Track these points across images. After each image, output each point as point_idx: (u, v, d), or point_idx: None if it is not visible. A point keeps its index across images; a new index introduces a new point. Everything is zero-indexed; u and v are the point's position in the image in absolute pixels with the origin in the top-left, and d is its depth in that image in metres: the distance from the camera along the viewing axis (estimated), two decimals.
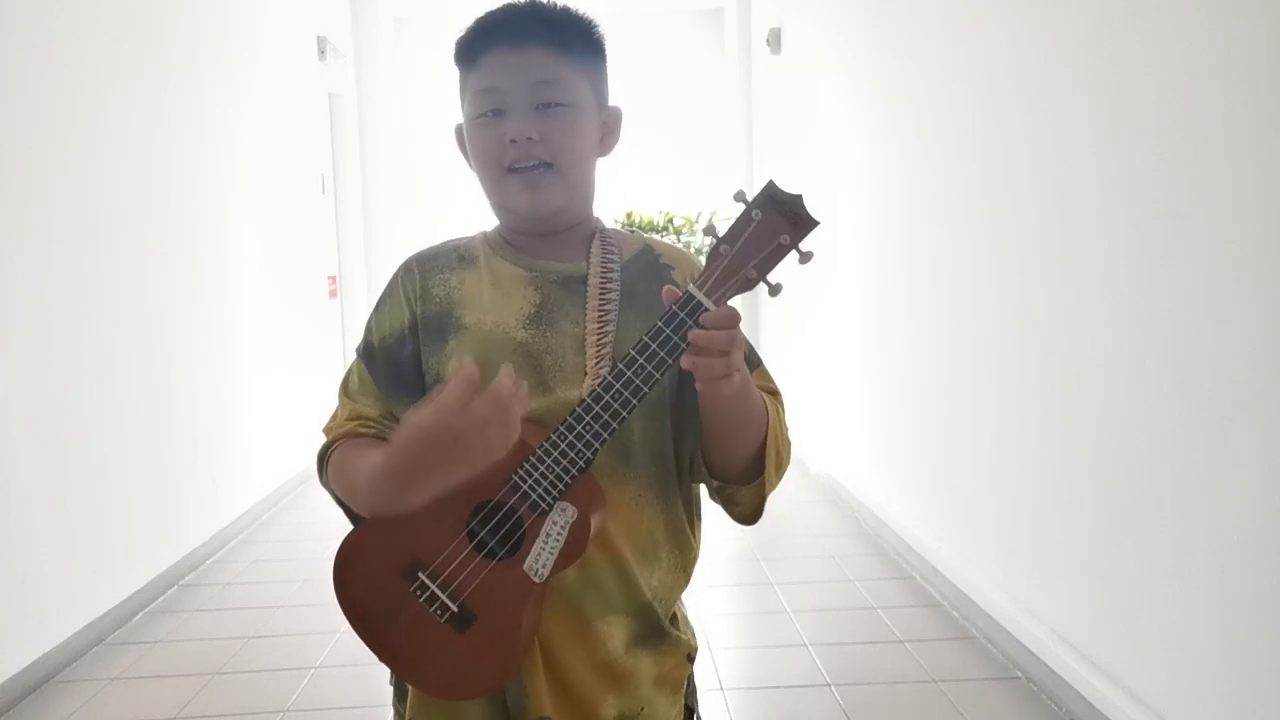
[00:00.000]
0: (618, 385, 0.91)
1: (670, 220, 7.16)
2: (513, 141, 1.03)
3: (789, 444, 1.08)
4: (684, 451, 1.08)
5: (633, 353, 0.91)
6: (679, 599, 1.13)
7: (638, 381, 0.91)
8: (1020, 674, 2.65)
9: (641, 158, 6.77)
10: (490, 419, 0.87)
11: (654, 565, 1.06)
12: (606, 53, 1.10)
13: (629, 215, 7.17)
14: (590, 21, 1.08)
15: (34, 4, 2.88)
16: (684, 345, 0.88)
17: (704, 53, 7.23)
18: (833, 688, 2.60)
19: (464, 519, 0.97)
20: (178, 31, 3.86)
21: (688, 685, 1.12)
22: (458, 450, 0.88)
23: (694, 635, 1.14)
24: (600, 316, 1.04)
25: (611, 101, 1.12)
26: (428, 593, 0.99)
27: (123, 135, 3.37)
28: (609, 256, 1.09)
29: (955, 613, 3.08)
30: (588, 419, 0.93)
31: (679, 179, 7.15)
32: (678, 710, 1.09)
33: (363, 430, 1.08)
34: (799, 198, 0.87)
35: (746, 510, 1.09)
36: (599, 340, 1.03)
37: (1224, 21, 1.82)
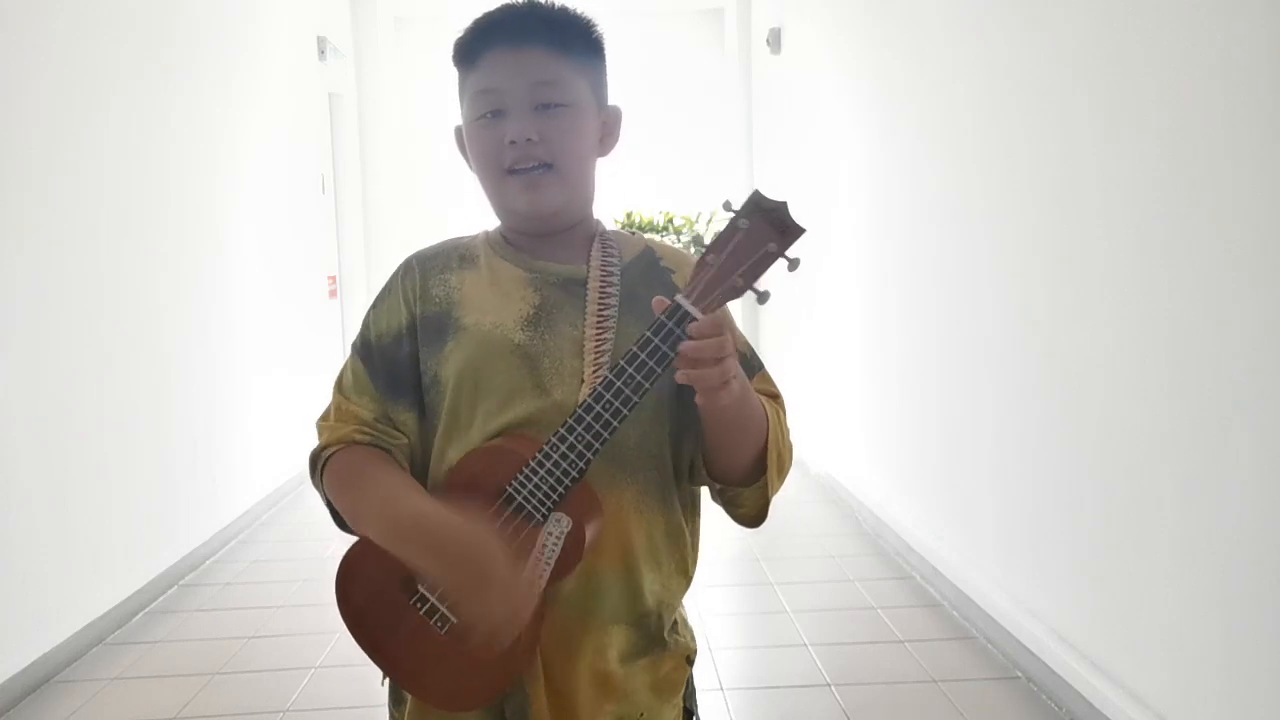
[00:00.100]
0: (608, 395, 0.92)
1: (670, 220, 7.16)
2: (512, 143, 1.02)
3: (790, 447, 1.08)
4: (683, 455, 1.08)
5: (622, 363, 0.91)
6: (680, 603, 1.13)
7: (628, 391, 0.91)
8: (1020, 674, 2.65)
9: (641, 158, 6.77)
10: (502, 604, 0.93)
11: (655, 571, 1.06)
12: (606, 52, 1.10)
13: (629, 215, 7.17)
14: (589, 21, 1.08)
15: (34, 4, 2.88)
16: (673, 355, 0.88)
17: (704, 53, 7.23)
18: (833, 688, 2.60)
19: None
20: (178, 31, 3.86)
21: (686, 687, 1.12)
22: (463, 587, 0.94)
23: (693, 637, 1.14)
24: (599, 321, 1.04)
25: (611, 101, 1.12)
26: (428, 605, 0.99)
27: (123, 135, 3.37)
28: (609, 259, 1.09)
29: (955, 613, 3.08)
30: (579, 430, 0.93)
31: (679, 179, 7.15)
32: (676, 713, 1.09)
33: (360, 438, 1.07)
34: (784, 205, 0.87)
35: (750, 512, 1.08)
36: (597, 345, 1.03)
37: (1224, 21, 1.82)
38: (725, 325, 0.89)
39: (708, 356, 0.87)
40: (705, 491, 1.14)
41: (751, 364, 1.09)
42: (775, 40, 5.40)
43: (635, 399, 0.91)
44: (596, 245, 1.10)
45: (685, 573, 1.10)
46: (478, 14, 1.06)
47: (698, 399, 0.91)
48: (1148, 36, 2.05)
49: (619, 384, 0.91)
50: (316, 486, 1.09)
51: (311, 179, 5.49)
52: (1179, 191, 1.96)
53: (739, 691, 2.60)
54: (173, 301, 3.71)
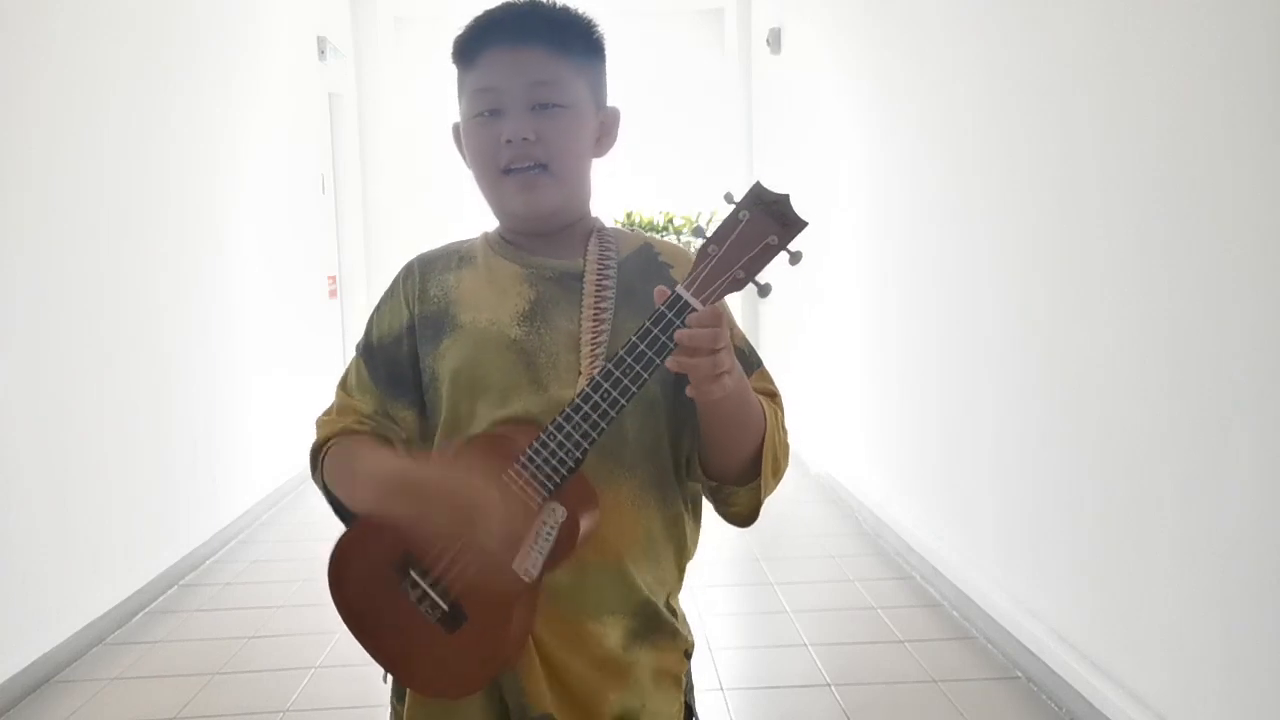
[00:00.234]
0: (606, 385, 0.92)
1: (670, 220, 7.16)
2: (509, 142, 1.03)
3: (787, 448, 1.08)
4: (681, 451, 1.08)
5: (621, 353, 0.91)
6: (677, 593, 1.13)
7: (626, 381, 0.91)
8: (1020, 674, 2.65)
9: (642, 158, 6.77)
10: (496, 542, 0.94)
11: (653, 565, 1.06)
12: (605, 53, 1.10)
13: (629, 215, 7.17)
14: (589, 21, 1.08)
15: (34, 4, 2.88)
16: (672, 345, 0.88)
17: (704, 53, 7.23)
18: (833, 688, 2.60)
19: None
20: (178, 31, 3.86)
21: (686, 683, 1.12)
22: (457, 529, 0.95)
23: (690, 632, 1.14)
24: (595, 314, 1.04)
25: (610, 102, 1.12)
26: (419, 591, 0.99)
27: (123, 135, 3.37)
28: (606, 254, 1.09)
29: (955, 613, 3.08)
30: (576, 419, 0.93)
31: (679, 179, 7.15)
32: (678, 708, 1.09)
33: (356, 428, 1.09)
34: (786, 198, 0.87)
35: (742, 511, 1.08)
36: (594, 338, 1.03)
37: (1224, 21, 1.82)
38: (724, 319, 0.89)
39: (702, 346, 0.87)
40: None
41: (750, 360, 1.09)
42: (775, 40, 5.40)
43: (633, 389, 0.91)
44: (594, 240, 1.11)
45: (680, 566, 1.10)
46: (478, 13, 1.06)
47: (689, 390, 0.91)
48: (1148, 36, 2.05)
49: (617, 374, 0.91)
50: (316, 481, 1.11)
51: (311, 179, 5.49)
52: (1179, 191, 1.96)
53: (739, 691, 2.60)
54: (173, 301, 3.71)
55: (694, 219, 7.09)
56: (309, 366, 5.21)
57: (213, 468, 4.02)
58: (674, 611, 1.11)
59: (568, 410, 0.93)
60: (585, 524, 0.97)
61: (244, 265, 4.43)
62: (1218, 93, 1.84)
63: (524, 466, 0.95)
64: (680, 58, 7.28)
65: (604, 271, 1.07)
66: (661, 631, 1.07)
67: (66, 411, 2.98)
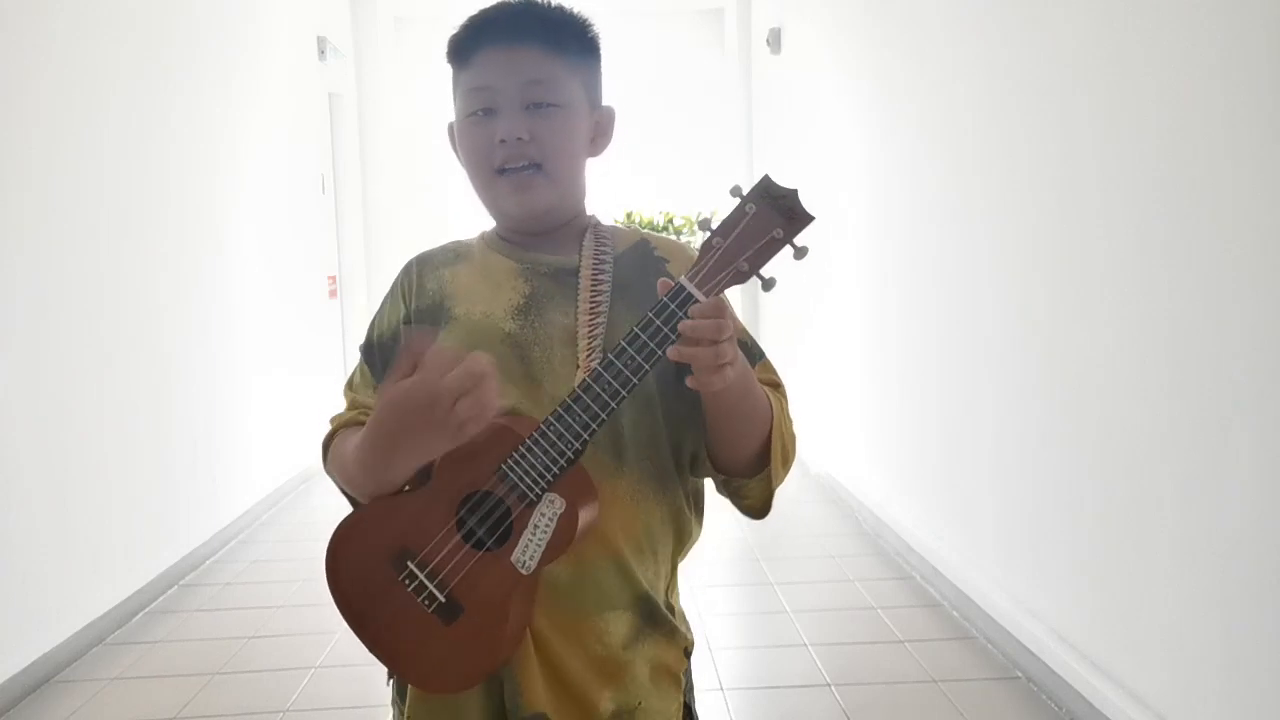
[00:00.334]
0: (607, 376, 0.91)
1: (670, 220, 7.16)
2: (502, 141, 1.03)
3: (794, 437, 1.08)
4: (685, 447, 1.08)
5: (622, 343, 0.90)
6: (676, 589, 1.13)
7: (627, 372, 0.90)
8: (1020, 674, 2.65)
9: (642, 158, 6.77)
10: (463, 388, 0.88)
11: (652, 560, 1.06)
12: (601, 52, 1.10)
13: (629, 215, 7.17)
14: (584, 21, 1.08)
15: (34, 4, 2.88)
16: (673, 337, 0.88)
17: (704, 53, 7.23)
18: (833, 688, 2.60)
19: (454, 508, 0.98)
20: (178, 31, 3.86)
21: (685, 682, 1.12)
22: (433, 414, 0.89)
23: (690, 630, 1.14)
24: (591, 308, 1.04)
25: (608, 101, 1.12)
26: (416, 582, 0.99)
27: (123, 135, 3.37)
28: (601, 249, 1.09)
29: (955, 613, 3.08)
30: (577, 409, 0.92)
31: (679, 179, 7.16)
32: (676, 706, 1.09)
33: (362, 419, 1.10)
34: (794, 192, 0.87)
35: (755, 503, 1.08)
36: (590, 332, 1.03)
37: (1224, 21, 1.82)
38: (727, 310, 0.89)
39: (704, 337, 0.86)
40: (709, 486, 1.14)
41: (752, 352, 1.09)
42: (775, 40, 5.40)
43: (634, 380, 0.91)
44: (589, 236, 1.11)
45: (684, 559, 1.11)
46: (473, 12, 1.06)
47: (690, 380, 0.90)
48: (1148, 36, 2.05)
49: (619, 364, 0.91)
50: (327, 473, 1.12)
51: (311, 179, 5.49)
52: (1179, 191, 1.96)
53: (739, 691, 2.60)
54: (173, 301, 3.71)
55: (694, 219, 7.09)
56: (309, 366, 5.21)
57: (213, 468, 4.02)
58: (672, 609, 1.11)
59: (568, 401, 0.93)
60: (584, 516, 0.96)
61: (244, 265, 4.43)
62: (1218, 93, 1.84)
63: (523, 456, 0.95)
64: (680, 58, 7.28)
65: (600, 266, 1.07)
66: (661, 628, 1.07)
67: (66, 411, 2.98)
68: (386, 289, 1.17)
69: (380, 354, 1.12)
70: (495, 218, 1.13)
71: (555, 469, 0.94)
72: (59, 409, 2.94)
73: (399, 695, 1.11)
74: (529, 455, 0.95)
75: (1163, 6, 2.00)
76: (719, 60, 6.98)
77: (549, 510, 0.95)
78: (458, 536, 0.98)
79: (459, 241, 1.17)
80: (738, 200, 0.88)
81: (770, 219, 0.86)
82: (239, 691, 2.72)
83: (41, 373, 2.86)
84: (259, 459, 4.52)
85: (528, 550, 0.95)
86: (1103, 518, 2.28)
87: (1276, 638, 1.74)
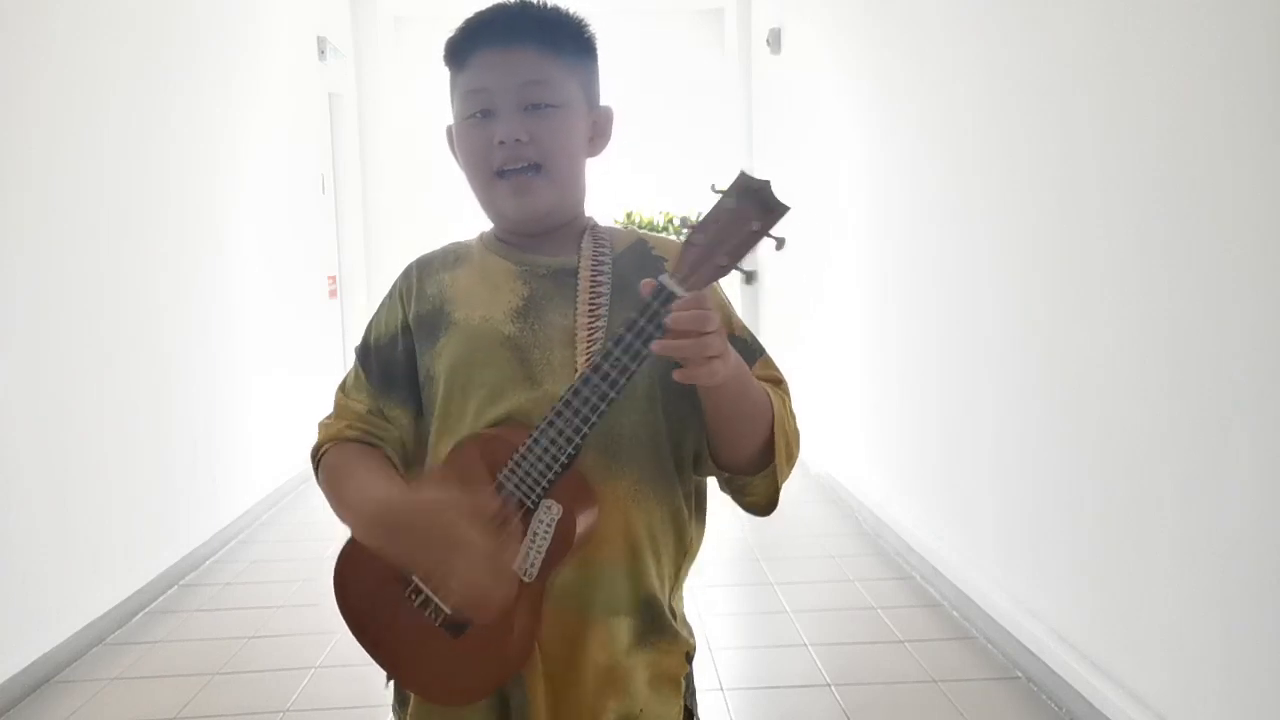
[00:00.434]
0: (595, 379, 0.91)
1: (670, 220, 7.16)
2: (501, 143, 1.03)
3: (798, 433, 1.07)
4: (686, 447, 1.08)
5: (609, 345, 0.91)
6: (680, 593, 1.13)
7: (614, 374, 0.90)
8: (1020, 674, 2.65)
9: (642, 157, 6.77)
10: (477, 573, 0.92)
11: (655, 561, 1.06)
12: (598, 53, 1.10)
13: (629, 215, 7.17)
14: (581, 21, 1.08)
15: (34, 4, 2.88)
16: (660, 335, 0.88)
17: (704, 53, 7.22)
18: (833, 688, 2.60)
19: None
20: (178, 31, 3.86)
21: (687, 686, 1.12)
22: (445, 559, 0.93)
23: (692, 634, 1.14)
24: (590, 309, 1.04)
25: (608, 101, 1.12)
26: (422, 596, 0.99)
27: (123, 135, 3.37)
28: (600, 249, 1.09)
29: (955, 613, 3.08)
30: (567, 414, 0.92)
31: (679, 179, 7.15)
32: (677, 710, 1.09)
33: (349, 434, 1.10)
34: (766, 184, 0.87)
35: (760, 500, 1.08)
36: (589, 334, 1.03)
37: (1224, 21, 1.82)
38: (712, 304, 0.89)
39: (688, 329, 0.86)
40: (710, 485, 1.14)
41: (752, 349, 1.09)
42: (775, 40, 5.39)
43: (622, 381, 0.91)
44: (587, 237, 1.11)
45: (686, 560, 1.10)
46: (470, 14, 1.06)
47: (676, 374, 0.90)
48: (1148, 36, 2.05)
49: (606, 366, 0.91)
50: (320, 487, 1.12)
51: (311, 179, 5.49)
52: (1179, 191, 1.96)
53: (739, 691, 2.60)
54: (173, 301, 3.71)
55: (694, 219, 7.09)
56: (309, 366, 5.21)
57: (213, 468, 4.02)
58: (674, 613, 1.11)
59: (558, 406, 0.93)
60: (583, 521, 0.96)
61: (244, 265, 4.43)
62: (1218, 93, 1.84)
63: (517, 465, 0.95)
64: (680, 58, 7.28)
65: (598, 267, 1.07)
66: (663, 632, 1.07)
67: (66, 411, 2.98)
68: (386, 289, 1.17)
69: (377, 357, 1.12)
70: (494, 219, 1.12)
71: (550, 475, 0.94)
72: (59, 409, 2.94)
73: (399, 702, 1.11)
74: (523, 463, 0.95)
75: (1163, 6, 2.00)
76: (719, 60, 6.98)
77: (546, 517, 0.95)
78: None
79: (458, 243, 1.16)
80: (717, 196, 0.88)
81: (747, 212, 0.87)
82: (239, 691, 2.72)
83: (41, 373, 2.86)
84: (259, 459, 4.52)
85: (529, 558, 0.95)
86: (1103, 518, 2.28)
87: (1276, 638, 1.74)
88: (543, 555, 0.95)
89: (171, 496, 3.65)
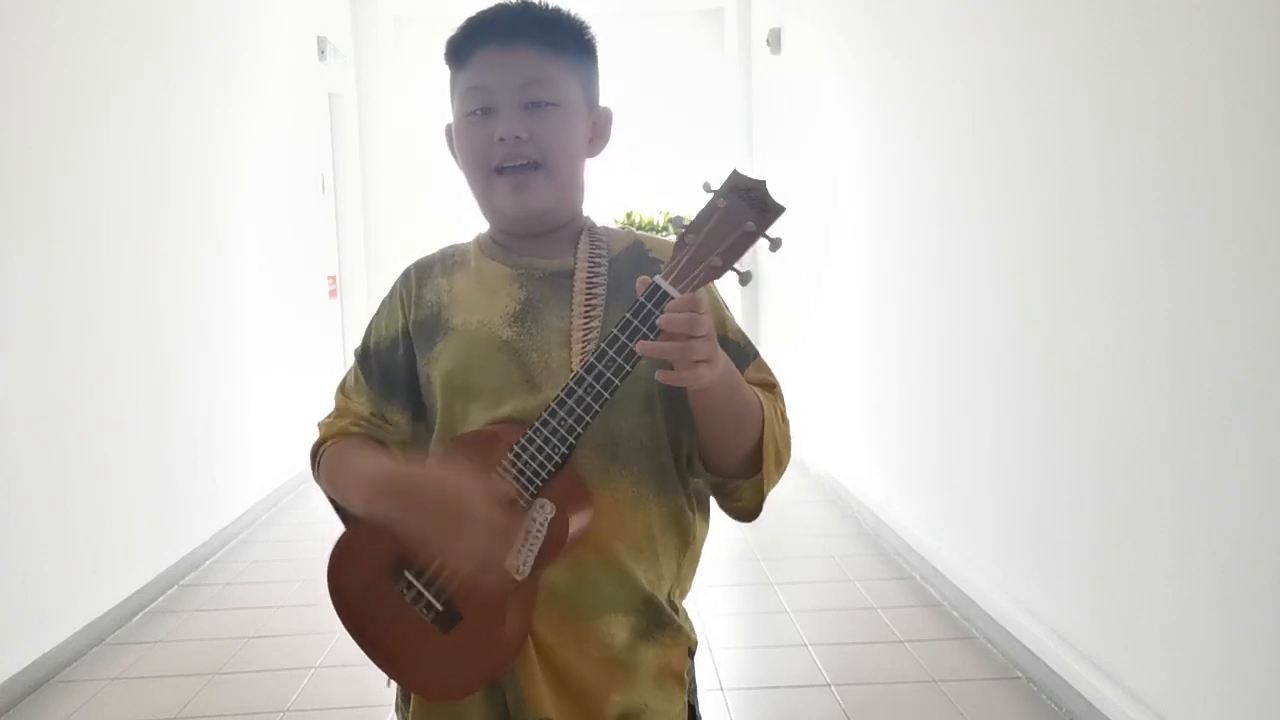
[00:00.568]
0: (589, 379, 0.91)
1: (670, 220, 7.16)
2: (501, 140, 1.03)
3: (789, 440, 1.07)
4: (683, 447, 1.08)
5: (603, 345, 0.91)
6: (684, 589, 1.13)
7: (609, 374, 0.90)
8: (1020, 674, 2.65)
9: (642, 158, 6.77)
10: (484, 537, 0.93)
11: (653, 561, 1.06)
12: (598, 55, 1.11)
13: (629, 215, 7.17)
14: (582, 23, 1.08)
15: (34, 4, 2.88)
16: (652, 336, 0.88)
17: (704, 53, 7.22)
18: (833, 688, 2.60)
19: None
20: (178, 31, 3.86)
21: (690, 682, 1.12)
22: (448, 529, 0.93)
23: (693, 629, 1.14)
24: (586, 311, 1.04)
25: (609, 102, 1.12)
26: (414, 591, 1.00)
27: (123, 135, 3.37)
28: (596, 251, 1.09)
29: (955, 613, 3.08)
30: (561, 414, 0.93)
31: (679, 179, 7.15)
32: (681, 707, 1.09)
33: (353, 430, 1.11)
34: (762, 184, 0.86)
35: (746, 506, 1.08)
36: (585, 335, 1.03)
37: (1224, 21, 1.82)
38: (705, 307, 0.88)
39: (679, 331, 0.86)
40: None
41: (745, 352, 1.09)
42: (775, 40, 5.40)
43: (616, 381, 0.91)
44: (584, 238, 1.11)
45: (689, 558, 1.10)
46: (471, 14, 1.07)
47: (659, 375, 0.89)
48: (1148, 36, 2.05)
49: (600, 367, 0.91)
50: (317, 481, 1.13)
51: (311, 179, 5.49)
52: (1179, 191, 1.96)
53: (739, 691, 2.60)
54: (173, 301, 3.71)
55: (686, 218, 7.09)
56: (309, 366, 5.21)
57: (213, 468, 4.02)
58: (675, 608, 1.11)
59: (552, 405, 0.93)
60: (576, 521, 0.96)
61: (244, 265, 4.43)
62: (1218, 93, 1.84)
63: (511, 463, 0.95)
64: (680, 58, 7.28)
65: (594, 269, 1.07)
66: (664, 628, 1.07)
67: (66, 411, 2.98)
68: (386, 289, 1.17)
69: (377, 361, 1.12)
70: (490, 219, 1.12)
71: (544, 474, 0.94)
72: (59, 409, 2.94)
73: (403, 700, 1.11)
74: (518, 462, 0.95)
75: (1163, 6, 2.00)
76: (719, 60, 6.98)
77: (540, 516, 0.95)
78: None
79: (455, 247, 1.17)
80: (709, 196, 0.88)
81: (742, 212, 0.86)
82: (239, 691, 2.72)
83: (41, 373, 2.86)
84: (259, 459, 4.52)
85: (521, 556, 0.95)
86: (1103, 518, 2.28)
87: (1276, 638, 1.74)
88: (535, 554, 0.95)
89: (171, 496, 3.65)
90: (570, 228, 1.12)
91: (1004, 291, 2.77)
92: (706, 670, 2.67)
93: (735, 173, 0.87)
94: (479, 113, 1.05)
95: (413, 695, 1.08)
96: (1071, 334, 2.39)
